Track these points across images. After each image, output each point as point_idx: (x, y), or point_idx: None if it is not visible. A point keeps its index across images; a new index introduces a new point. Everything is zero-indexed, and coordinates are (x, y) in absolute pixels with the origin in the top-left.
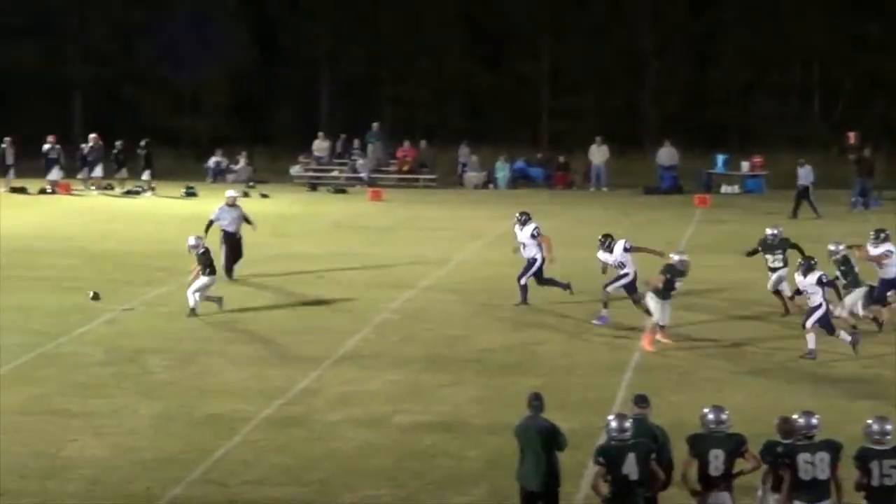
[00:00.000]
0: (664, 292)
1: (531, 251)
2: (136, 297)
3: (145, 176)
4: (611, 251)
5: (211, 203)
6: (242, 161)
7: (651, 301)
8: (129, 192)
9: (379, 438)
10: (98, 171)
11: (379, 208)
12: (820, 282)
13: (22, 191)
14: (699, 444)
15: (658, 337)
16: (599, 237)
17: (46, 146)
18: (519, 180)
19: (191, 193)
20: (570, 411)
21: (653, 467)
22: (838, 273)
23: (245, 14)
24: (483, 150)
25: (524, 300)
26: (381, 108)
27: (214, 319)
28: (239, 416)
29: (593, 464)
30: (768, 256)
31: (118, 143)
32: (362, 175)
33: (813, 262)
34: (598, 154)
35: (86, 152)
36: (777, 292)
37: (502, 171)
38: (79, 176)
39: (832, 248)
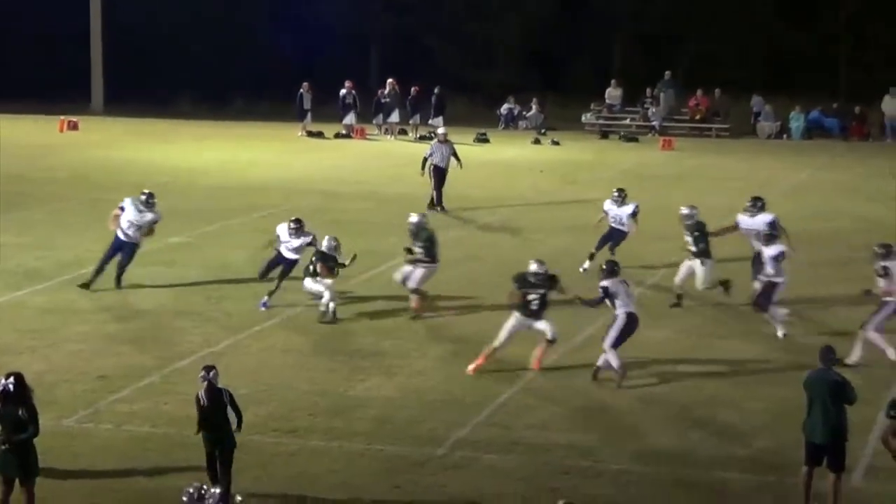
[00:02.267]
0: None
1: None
2: None
3: (436, 122)
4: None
5: (502, 150)
6: (534, 108)
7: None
8: (422, 138)
9: (662, 387)
10: (395, 117)
11: (670, 157)
12: None
13: (318, 135)
14: None
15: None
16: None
17: (343, 91)
18: (814, 131)
19: (482, 139)
20: (859, 366)
21: None
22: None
23: None
24: (778, 100)
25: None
26: (677, 58)
27: (503, 266)
28: (523, 362)
29: (885, 417)
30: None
31: (413, 90)
32: (654, 123)
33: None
34: (891, 105)
35: (383, 98)
36: None
37: (797, 121)
38: (374, 121)
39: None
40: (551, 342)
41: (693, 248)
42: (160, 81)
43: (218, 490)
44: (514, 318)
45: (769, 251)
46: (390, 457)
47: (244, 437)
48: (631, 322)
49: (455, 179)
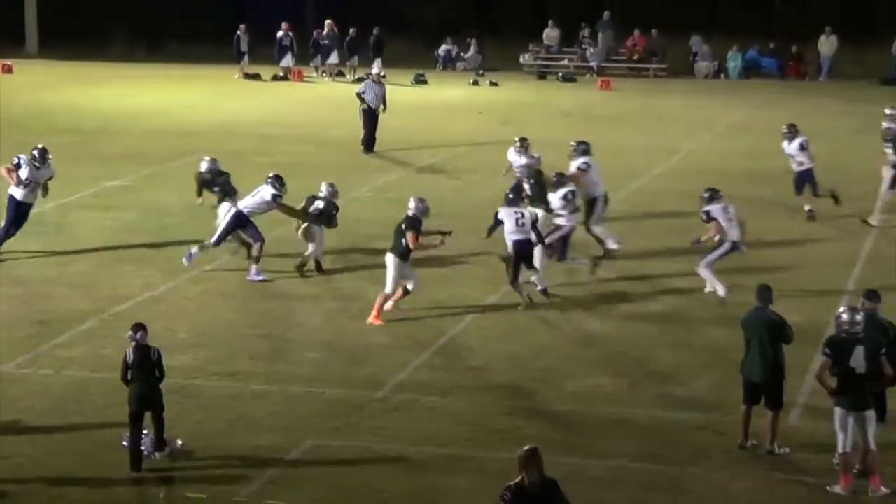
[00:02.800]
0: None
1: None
2: (366, 183)
3: (376, 63)
4: None
5: (440, 91)
6: (472, 49)
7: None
8: (360, 80)
9: (603, 328)
10: (333, 58)
11: (608, 97)
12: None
13: (256, 77)
14: None
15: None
16: None
17: (280, 33)
18: (751, 70)
19: (420, 81)
20: (798, 304)
21: (881, 363)
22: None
23: None
24: (715, 39)
25: None
26: None
27: (442, 207)
28: (464, 303)
29: (821, 354)
30: None
31: (351, 31)
32: (592, 64)
33: None
34: (826, 45)
35: (321, 39)
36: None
37: (734, 60)
38: (311, 63)
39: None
40: (408, 293)
41: (529, 194)
42: (94, 24)
43: (152, 435)
44: (394, 263)
45: (555, 194)
46: (331, 400)
47: (185, 382)
48: (518, 249)
49: (394, 121)
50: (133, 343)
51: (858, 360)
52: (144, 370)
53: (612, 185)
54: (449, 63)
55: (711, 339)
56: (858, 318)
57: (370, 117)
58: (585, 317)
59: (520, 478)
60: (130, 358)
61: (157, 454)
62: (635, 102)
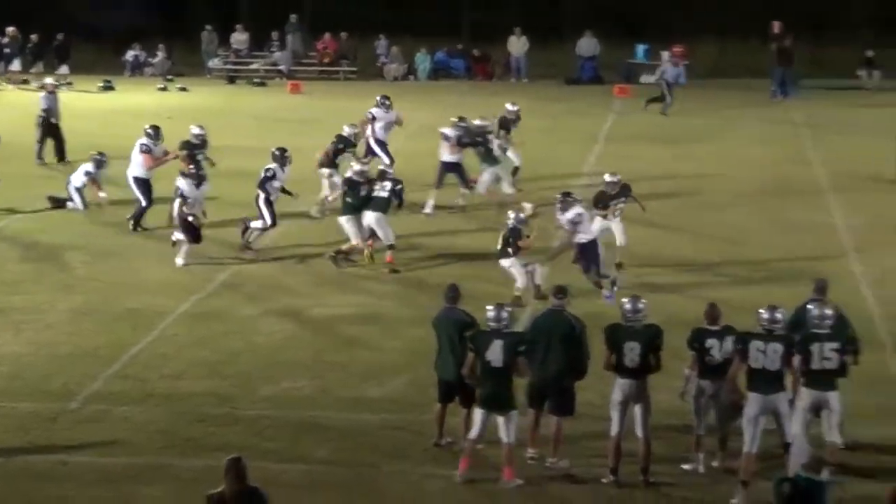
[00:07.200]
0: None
1: None
2: (62, 193)
3: (61, 70)
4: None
5: (129, 97)
6: (160, 54)
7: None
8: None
9: (298, 331)
10: (16, 65)
11: (299, 101)
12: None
13: None
14: (615, 336)
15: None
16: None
17: None
18: (440, 72)
19: (108, 87)
20: (487, 302)
21: (518, 361)
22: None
23: None
24: (404, 42)
25: None
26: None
27: (113, 216)
28: (157, 311)
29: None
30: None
31: (33, 37)
32: (282, 67)
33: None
34: (518, 45)
35: (2, 47)
36: None
37: (423, 62)
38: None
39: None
40: None
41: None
42: None
43: None
44: None
45: None
46: (22, 414)
47: None
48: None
49: (82, 128)
50: None
51: (495, 353)
52: None
53: (302, 188)
54: (137, 69)
55: (408, 339)
56: (504, 314)
57: (47, 128)
58: (280, 320)
59: (221, 487)
60: None
61: None
62: (327, 105)
